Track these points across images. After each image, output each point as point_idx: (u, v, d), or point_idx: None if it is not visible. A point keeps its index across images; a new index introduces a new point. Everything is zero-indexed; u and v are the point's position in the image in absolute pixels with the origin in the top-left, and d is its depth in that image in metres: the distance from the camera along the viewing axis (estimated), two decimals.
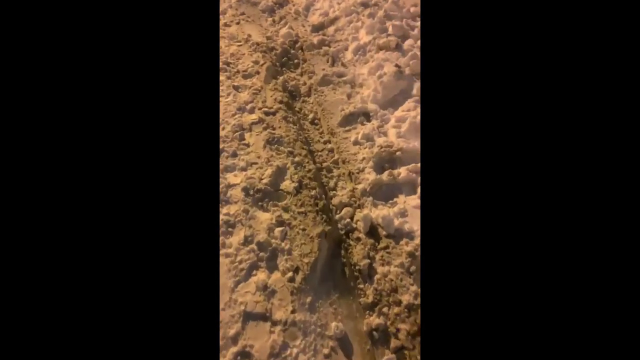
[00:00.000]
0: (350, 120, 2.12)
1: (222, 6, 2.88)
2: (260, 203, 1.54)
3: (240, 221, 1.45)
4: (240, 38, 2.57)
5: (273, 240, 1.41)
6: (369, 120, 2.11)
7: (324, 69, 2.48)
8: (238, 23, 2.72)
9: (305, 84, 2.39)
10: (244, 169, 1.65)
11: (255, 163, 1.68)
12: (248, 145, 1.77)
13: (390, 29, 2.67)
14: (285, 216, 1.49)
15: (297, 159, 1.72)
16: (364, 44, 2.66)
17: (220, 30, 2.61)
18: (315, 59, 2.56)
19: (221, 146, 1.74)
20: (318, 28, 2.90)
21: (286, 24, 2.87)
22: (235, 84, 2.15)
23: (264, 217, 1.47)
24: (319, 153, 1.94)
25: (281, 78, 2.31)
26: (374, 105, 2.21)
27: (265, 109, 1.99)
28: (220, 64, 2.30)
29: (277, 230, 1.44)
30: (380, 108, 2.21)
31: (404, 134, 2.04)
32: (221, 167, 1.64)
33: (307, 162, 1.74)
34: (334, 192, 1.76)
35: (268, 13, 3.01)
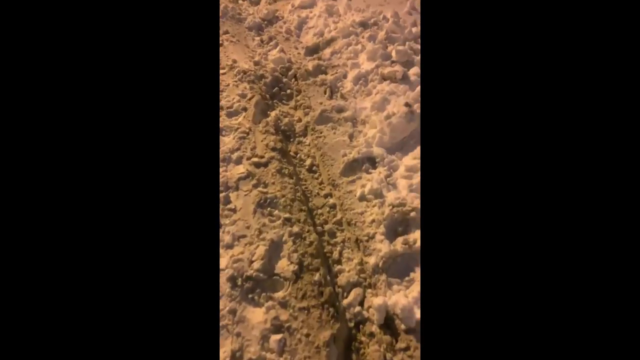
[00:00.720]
0: (354, 167, 1.79)
1: None
2: (250, 295, 1.19)
3: (226, 327, 1.11)
4: (224, 64, 2.21)
5: (269, 356, 1.08)
6: (374, 168, 1.79)
7: (321, 103, 2.14)
8: (221, 44, 2.37)
9: (300, 120, 2.04)
10: (229, 246, 1.31)
11: (244, 236, 1.33)
12: (234, 211, 1.42)
13: (393, 54, 2.37)
14: (283, 316, 1.15)
15: (295, 228, 1.38)
16: (366, 72, 2.35)
17: None
18: (311, 90, 2.21)
19: None
20: (312, 51, 2.57)
21: (277, 45, 2.52)
22: (220, 127, 1.81)
23: (256, 319, 1.13)
24: (319, 211, 1.60)
25: (273, 114, 1.95)
26: (381, 149, 1.91)
27: (255, 159, 1.63)
28: None
29: (273, 339, 1.10)
30: (388, 153, 1.91)
31: (416, 187, 1.77)
32: None
33: (308, 231, 1.40)
34: (339, 266, 1.43)
35: (255, 31, 2.66)
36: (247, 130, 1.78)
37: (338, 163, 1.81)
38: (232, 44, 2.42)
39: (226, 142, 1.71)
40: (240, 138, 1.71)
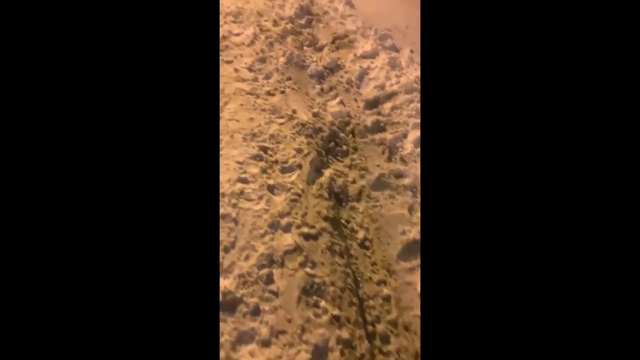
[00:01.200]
0: (413, 250, 1.56)
1: (268, 68, 2.51)
2: None
3: None
4: (283, 113, 2.16)
5: None
6: None
7: (378, 165, 1.96)
8: (283, 92, 2.33)
9: (354, 182, 1.86)
10: (265, 343, 1.09)
11: (284, 332, 1.12)
12: (276, 295, 1.22)
13: None
14: None
15: (344, 332, 1.15)
16: None
17: (262, 100, 2.21)
18: (368, 149, 2.04)
19: (239, 291, 1.21)
20: (372, 104, 2.45)
21: (336, 95, 2.43)
22: (271, 181, 1.66)
23: None
24: (371, 302, 1.35)
25: (327, 174, 1.77)
26: None
27: (306, 229, 1.45)
28: (257, 147, 1.85)
29: None
30: None
31: None
32: (233, 334, 1.08)
33: (359, 338, 1.15)
34: None
35: (317, 79, 2.62)
36: (300, 192, 1.63)
37: (395, 242, 1.58)
38: (294, 92, 2.37)
39: (277, 203, 1.57)
40: (292, 200, 1.57)
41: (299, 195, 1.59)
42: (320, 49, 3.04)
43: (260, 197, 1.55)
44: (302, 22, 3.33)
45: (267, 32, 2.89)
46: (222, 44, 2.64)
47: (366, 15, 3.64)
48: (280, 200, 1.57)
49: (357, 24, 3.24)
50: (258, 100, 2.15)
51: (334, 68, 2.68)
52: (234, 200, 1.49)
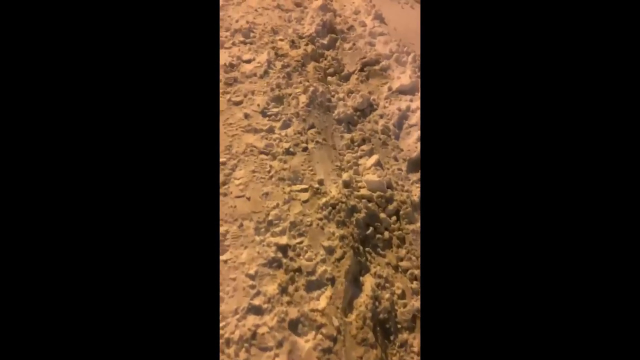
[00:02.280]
0: None
1: (286, 112, 1.90)
2: None
3: None
4: (307, 182, 1.66)
5: None
6: None
7: None
8: (305, 149, 1.77)
9: (403, 296, 1.32)
10: None
11: None
12: None
13: None
14: None
15: None
16: None
17: (280, 163, 1.63)
18: (419, 242, 1.52)
19: None
20: (417, 165, 1.96)
21: (371, 151, 1.84)
22: (294, 310, 1.12)
23: None
24: None
25: (367, 287, 1.27)
26: None
27: None
28: (274, 246, 1.30)
29: None
30: None
31: None
32: None
33: None
34: None
35: (345, 125, 2.08)
36: (334, 334, 1.11)
37: None
38: (319, 147, 1.81)
39: (300, 348, 1.13)
40: (323, 351, 1.10)
41: (333, 341, 1.10)
42: (347, 78, 2.51)
43: (280, 344, 1.10)
44: (325, 41, 2.76)
45: (283, 58, 2.32)
46: (230, 75, 2.08)
47: (400, 34, 3.06)
48: (303, 344, 1.11)
49: (390, 47, 2.68)
50: (274, 164, 1.65)
51: (365, 109, 2.15)
52: (243, 355, 1.03)
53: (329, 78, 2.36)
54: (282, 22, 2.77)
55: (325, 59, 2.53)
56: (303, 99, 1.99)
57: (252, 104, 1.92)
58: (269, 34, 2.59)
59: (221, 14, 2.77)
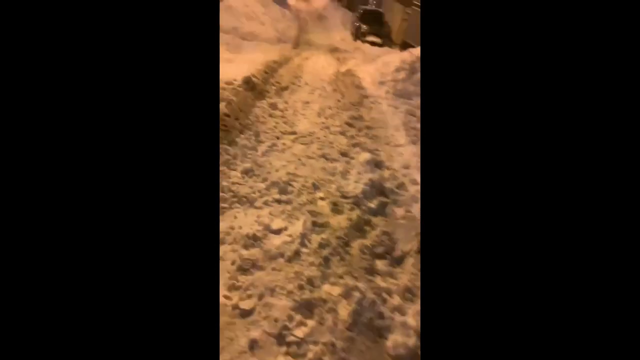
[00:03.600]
0: None
1: (320, 337, 1.22)
2: None
3: None
4: None
5: None
6: None
7: None
8: None
9: None
10: None
11: None
12: None
13: None
14: None
15: None
16: None
17: None
18: None
19: None
20: None
21: None
22: None
23: None
24: None
25: None
26: None
27: None
28: None
29: None
30: None
31: None
32: None
33: None
34: None
35: None
36: None
37: None
38: None
39: None
40: None
41: None
42: (400, 261, 1.94)
43: None
44: (373, 204, 2.34)
45: (322, 230, 1.79)
46: (248, 253, 1.54)
47: None
48: None
49: None
50: None
51: None
52: None
53: (378, 262, 1.79)
54: (326, 175, 2.44)
55: (374, 230, 2.02)
56: (343, 312, 1.36)
57: (268, 316, 1.33)
58: (308, 191, 2.23)
59: (262, 159, 2.57)
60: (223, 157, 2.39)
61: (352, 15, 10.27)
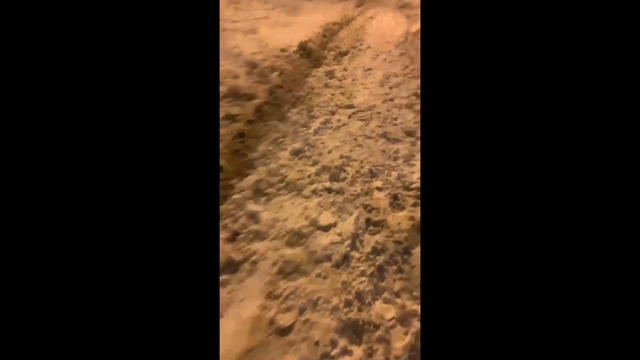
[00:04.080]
0: None
1: None
2: None
3: None
4: None
5: None
6: None
7: None
8: None
9: None
10: None
11: None
12: None
13: None
14: None
15: None
16: None
17: None
18: None
19: None
20: None
21: None
22: None
23: None
24: None
25: None
26: None
27: None
28: None
29: None
30: None
31: None
32: None
33: None
34: None
35: None
36: None
37: None
38: None
39: None
40: None
41: None
42: None
43: None
44: None
45: (376, 228, 1.50)
46: (291, 254, 1.36)
47: None
48: None
49: None
50: None
51: None
52: None
53: None
54: (386, 159, 2.10)
55: None
56: (398, 343, 1.13)
57: (308, 337, 1.14)
58: (364, 178, 1.93)
59: (314, 138, 2.31)
60: (272, 136, 2.20)
61: None
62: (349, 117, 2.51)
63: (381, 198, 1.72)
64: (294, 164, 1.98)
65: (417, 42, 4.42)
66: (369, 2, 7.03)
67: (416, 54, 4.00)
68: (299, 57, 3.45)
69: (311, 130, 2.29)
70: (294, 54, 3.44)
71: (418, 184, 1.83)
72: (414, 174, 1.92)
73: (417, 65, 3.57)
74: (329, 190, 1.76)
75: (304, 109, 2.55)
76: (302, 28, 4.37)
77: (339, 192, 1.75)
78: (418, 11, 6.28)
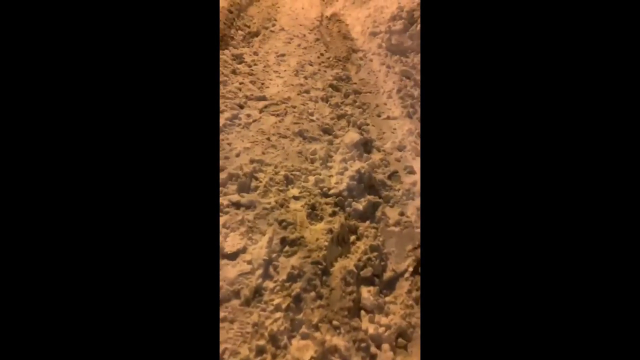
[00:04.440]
0: None
1: None
2: None
3: None
4: None
5: None
6: None
7: None
8: None
9: None
10: None
11: None
12: None
13: None
14: None
15: None
16: None
17: None
18: None
19: None
20: None
21: None
22: None
23: None
24: None
25: None
26: None
27: None
28: None
29: None
30: None
31: None
32: None
33: None
34: None
35: None
36: None
37: None
38: None
39: None
40: None
41: None
42: (392, 285, 1.52)
43: None
44: (360, 206, 1.75)
45: (295, 250, 1.34)
46: None
47: None
48: None
49: None
50: None
51: None
52: None
53: (364, 290, 1.40)
54: (302, 162, 1.92)
55: (360, 240, 1.61)
56: None
57: None
58: (279, 187, 1.72)
59: (219, 138, 1.97)
60: None
61: None
62: (261, 111, 2.24)
63: (298, 209, 1.56)
64: None
65: (333, 28, 4.31)
66: None
67: (331, 40, 3.89)
68: None
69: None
70: None
71: (336, 189, 1.73)
72: (332, 178, 1.82)
73: (333, 53, 3.46)
74: (236, 206, 1.50)
75: None
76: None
77: (249, 206, 1.51)
78: None
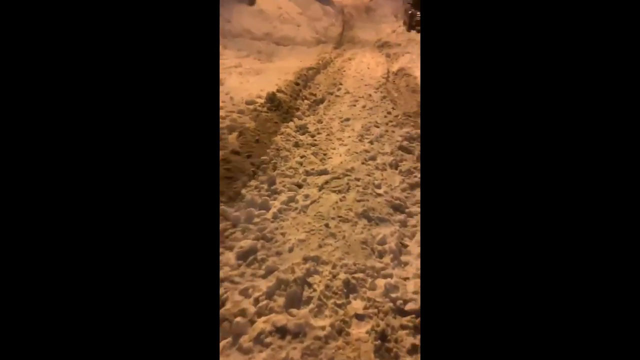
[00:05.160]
0: None
1: None
2: None
3: None
4: None
5: None
6: None
7: None
8: None
9: None
10: None
11: None
12: None
13: None
14: None
15: None
16: None
17: None
18: None
19: None
20: None
21: None
22: None
23: None
24: None
25: None
26: None
27: None
28: None
29: None
30: None
31: None
32: None
33: None
34: None
35: None
36: None
37: None
38: None
39: None
40: None
41: None
42: None
43: None
44: None
45: None
46: None
47: None
48: None
49: None
50: None
51: None
52: None
53: None
54: (367, 258, 1.52)
55: None
56: None
57: None
58: (336, 299, 1.31)
59: (272, 226, 1.74)
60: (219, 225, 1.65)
61: (404, 2, 8.89)
62: (320, 188, 1.98)
63: (362, 339, 1.13)
64: (240, 274, 1.39)
65: (400, 82, 4.08)
66: (348, 44, 6.91)
67: (399, 95, 3.63)
68: (267, 110, 3.02)
69: (269, 215, 1.74)
70: (261, 107, 3.01)
71: (416, 303, 1.24)
72: (409, 283, 1.34)
73: (401, 110, 3.16)
74: (281, 333, 1.16)
75: (265, 182, 2.03)
76: (275, 75, 4.02)
77: (297, 334, 1.15)
78: (397, 50, 6.11)
